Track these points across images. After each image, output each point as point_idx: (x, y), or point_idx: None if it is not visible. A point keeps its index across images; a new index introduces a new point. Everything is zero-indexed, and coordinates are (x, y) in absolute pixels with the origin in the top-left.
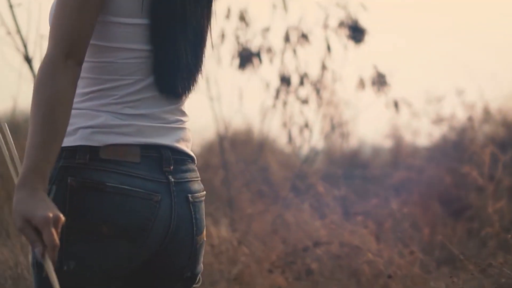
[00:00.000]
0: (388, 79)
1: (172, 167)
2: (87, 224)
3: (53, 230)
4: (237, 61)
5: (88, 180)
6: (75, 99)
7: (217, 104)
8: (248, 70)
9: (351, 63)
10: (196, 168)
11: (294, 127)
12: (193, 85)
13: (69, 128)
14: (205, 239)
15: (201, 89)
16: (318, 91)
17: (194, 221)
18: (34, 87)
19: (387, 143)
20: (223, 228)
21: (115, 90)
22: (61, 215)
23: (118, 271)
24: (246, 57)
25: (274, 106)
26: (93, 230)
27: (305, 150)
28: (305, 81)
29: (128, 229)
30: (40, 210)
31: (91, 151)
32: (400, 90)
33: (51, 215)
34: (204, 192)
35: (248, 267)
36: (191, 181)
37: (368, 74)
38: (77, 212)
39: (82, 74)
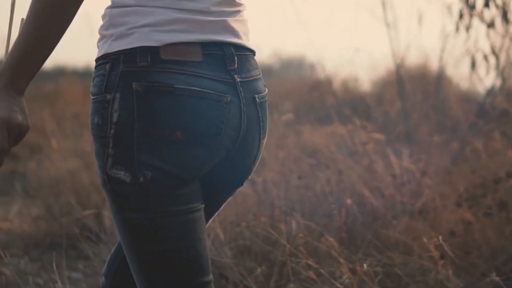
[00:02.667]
0: None
1: (236, 65)
2: (160, 130)
3: (4, 133)
4: None
5: (155, 84)
6: None
7: (394, 31)
8: None
9: None
10: (257, 64)
11: (478, 54)
12: None
13: (121, 28)
14: (264, 144)
15: (376, 15)
16: (505, 14)
17: (261, 123)
18: None
19: None
20: (404, 158)
21: None
22: (20, 122)
23: (193, 175)
24: None
25: (457, 30)
26: (167, 136)
27: (488, 80)
28: (490, 3)
29: (202, 133)
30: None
31: (152, 52)
32: None
33: (7, 117)
34: (267, 91)
35: (433, 201)
36: (256, 79)
37: None
38: (147, 119)
39: None
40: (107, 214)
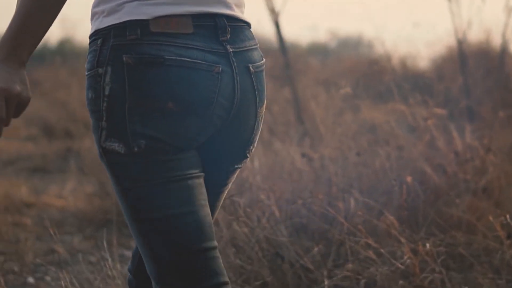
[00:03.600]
0: None
1: (229, 36)
2: (151, 101)
3: (2, 103)
4: None
5: (145, 55)
6: None
7: (456, 5)
8: None
9: None
10: (253, 35)
11: None
12: None
13: (111, 4)
14: (263, 113)
15: None
16: None
17: (256, 92)
18: None
19: None
20: (467, 134)
21: None
22: (19, 92)
23: (187, 145)
24: None
25: None
26: (159, 107)
27: None
28: None
29: (194, 103)
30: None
31: (141, 25)
32: None
33: (5, 87)
34: (264, 61)
35: (497, 178)
36: (251, 49)
37: None
38: (138, 91)
39: None
40: None
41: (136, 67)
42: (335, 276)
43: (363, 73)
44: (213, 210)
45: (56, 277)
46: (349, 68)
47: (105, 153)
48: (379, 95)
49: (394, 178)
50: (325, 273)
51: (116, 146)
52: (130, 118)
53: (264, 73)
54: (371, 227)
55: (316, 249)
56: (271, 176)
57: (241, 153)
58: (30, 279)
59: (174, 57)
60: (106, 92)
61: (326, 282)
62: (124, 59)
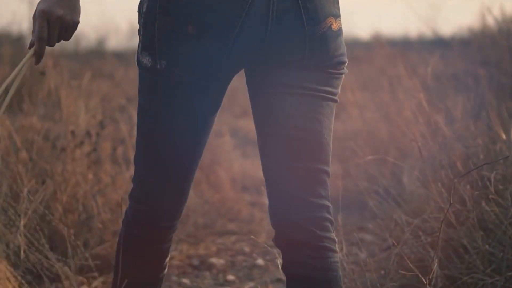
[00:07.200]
0: None
1: None
2: (173, 24)
3: (44, 24)
4: None
5: None
6: None
7: None
8: None
9: None
10: None
11: None
12: None
13: None
14: (335, 26)
15: None
16: None
17: (302, 10)
18: None
19: None
20: None
21: None
22: (61, 15)
23: (211, 68)
24: None
25: None
26: (179, 29)
27: None
28: None
29: (213, 26)
30: (44, 3)
31: None
32: None
33: (46, 9)
34: None
35: None
36: None
37: None
38: (166, 12)
39: None
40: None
41: None
42: None
43: None
44: (314, 118)
45: None
46: None
47: (138, 62)
48: None
49: None
50: None
51: (146, 60)
52: (158, 37)
53: None
54: None
55: None
56: None
57: (292, 66)
58: (260, 261)
59: None
60: (144, 9)
61: None
62: None
